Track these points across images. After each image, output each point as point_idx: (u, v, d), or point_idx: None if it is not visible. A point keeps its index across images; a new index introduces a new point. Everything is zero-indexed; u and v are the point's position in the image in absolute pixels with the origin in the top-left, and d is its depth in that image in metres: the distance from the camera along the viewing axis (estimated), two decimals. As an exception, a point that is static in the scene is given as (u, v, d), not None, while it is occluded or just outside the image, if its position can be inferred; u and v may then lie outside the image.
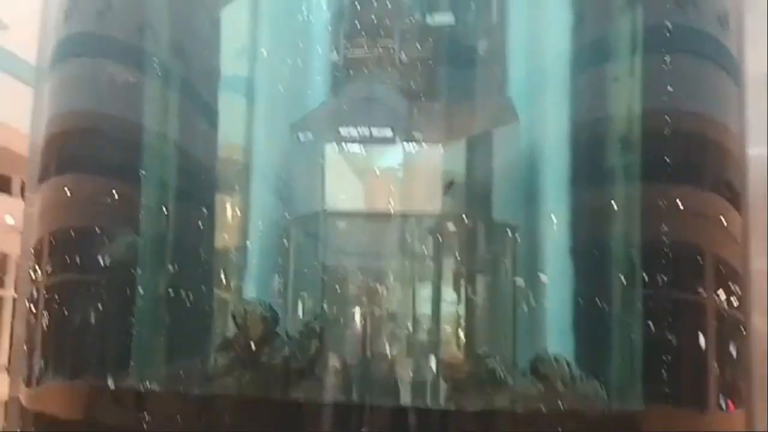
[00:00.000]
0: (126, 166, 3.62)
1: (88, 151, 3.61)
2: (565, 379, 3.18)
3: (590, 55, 3.67)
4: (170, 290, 3.58)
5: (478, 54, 4.12)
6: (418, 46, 4.12)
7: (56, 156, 3.67)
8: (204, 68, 4.02)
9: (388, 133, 3.92)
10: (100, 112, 3.64)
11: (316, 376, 3.23)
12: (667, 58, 3.35)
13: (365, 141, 3.94)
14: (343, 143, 3.95)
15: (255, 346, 3.25)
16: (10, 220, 10.07)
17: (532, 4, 4.06)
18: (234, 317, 3.32)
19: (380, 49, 4.12)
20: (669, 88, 3.31)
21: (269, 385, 3.18)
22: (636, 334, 3.24)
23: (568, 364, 3.23)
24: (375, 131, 3.92)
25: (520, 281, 3.80)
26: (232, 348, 3.28)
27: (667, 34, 3.34)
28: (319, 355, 3.27)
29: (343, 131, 3.95)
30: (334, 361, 3.30)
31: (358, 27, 4.18)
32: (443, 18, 4.14)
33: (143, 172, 3.62)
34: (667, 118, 3.30)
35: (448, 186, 3.79)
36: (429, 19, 4.16)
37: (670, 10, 3.36)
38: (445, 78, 4.04)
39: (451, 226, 3.84)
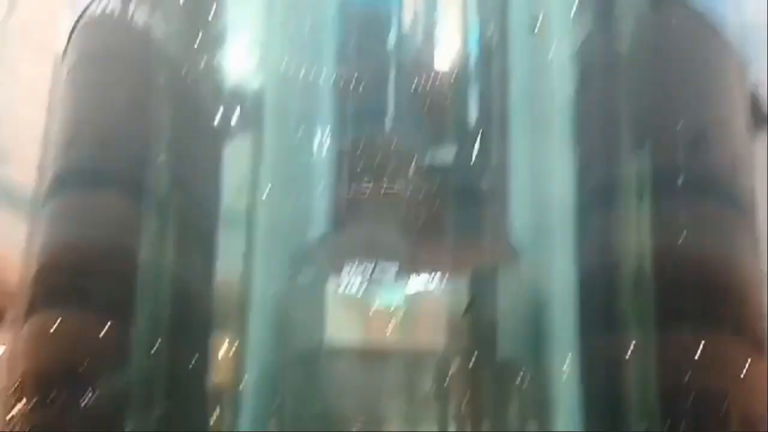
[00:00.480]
0: (117, 302, 3.50)
1: (78, 285, 3.50)
2: None
3: (597, 198, 3.66)
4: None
5: (481, 195, 4.07)
6: (422, 186, 4.09)
7: (43, 289, 3.56)
8: (204, 202, 3.95)
9: (390, 271, 3.81)
10: (92, 244, 3.56)
11: None
12: (679, 201, 3.35)
13: (367, 278, 3.81)
14: (345, 280, 3.82)
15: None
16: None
17: (535, 147, 4.04)
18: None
19: (383, 189, 4.08)
20: (682, 231, 3.29)
21: None
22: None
23: None
24: (378, 269, 3.81)
25: (530, 429, 3.59)
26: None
27: (679, 177, 3.31)
28: None
29: (345, 269, 3.84)
30: None
31: (361, 168, 4.16)
32: (446, 158, 4.13)
33: (135, 307, 3.48)
34: (681, 262, 3.26)
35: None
36: (432, 159, 4.14)
37: (681, 153, 3.35)
38: (449, 217, 3.98)
39: (454, 366, 3.65)
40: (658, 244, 3.33)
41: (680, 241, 3.27)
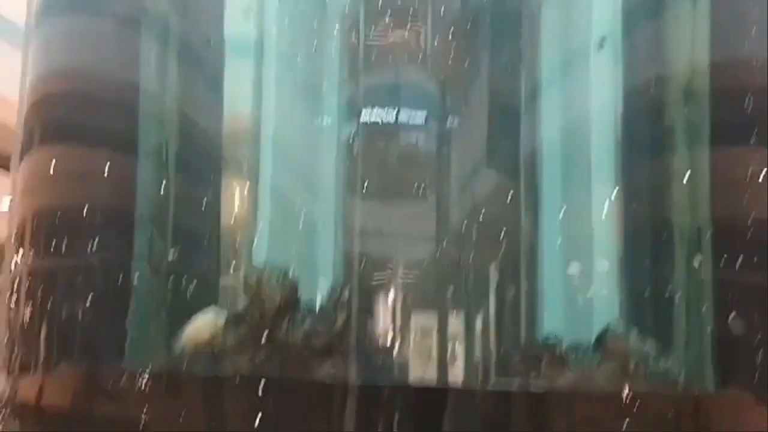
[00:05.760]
0: (120, 135, 3.41)
1: (77, 118, 3.40)
2: (639, 356, 2.91)
3: (645, 8, 3.51)
4: (171, 273, 3.36)
5: (516, 34, 3.90)
6: (452, 28, 3.94)
7: (40, 124, 3.46)
8: (207, 28, 3.83)
9: (419, 116, 3.68)
10: (90, 72, 3.44)
11: (343, 354, 2.96)
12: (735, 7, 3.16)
13: (392, 125, 3.69)
14: (368, 126, 3.70)
15: (271, 319, 2.98)
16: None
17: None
18: (246, 285, 3.06)
19: (407, 33, 3.93)
20: (742, 34, 3.12)
21: (287, 365, 2.92)
22: (708, 322, 3.01)
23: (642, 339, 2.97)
24: (404, 115, 3.68)
25: (575, 267, 3.56)
26: (244, 322, 3.01)
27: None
28: (346, 330, 3.00)
29: (366, 114, 3.71)
30: (363, 337, 3.03)
31: (381, 7, 3.99)
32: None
33: (139, 142, 3.43)
34: (741, 70, 3.10)
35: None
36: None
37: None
38: (481, 60, 3.84)
39: (493, 205, 3.58)
40: (715, 49, 3.18)
41: (739, 44, 3.12)
